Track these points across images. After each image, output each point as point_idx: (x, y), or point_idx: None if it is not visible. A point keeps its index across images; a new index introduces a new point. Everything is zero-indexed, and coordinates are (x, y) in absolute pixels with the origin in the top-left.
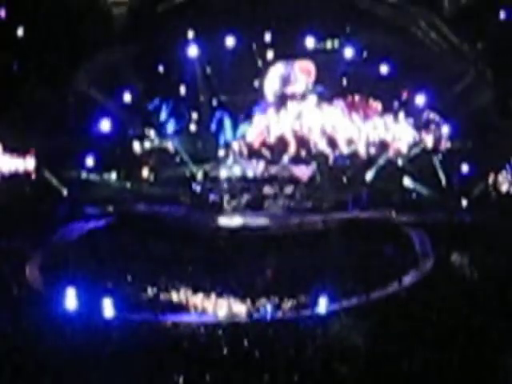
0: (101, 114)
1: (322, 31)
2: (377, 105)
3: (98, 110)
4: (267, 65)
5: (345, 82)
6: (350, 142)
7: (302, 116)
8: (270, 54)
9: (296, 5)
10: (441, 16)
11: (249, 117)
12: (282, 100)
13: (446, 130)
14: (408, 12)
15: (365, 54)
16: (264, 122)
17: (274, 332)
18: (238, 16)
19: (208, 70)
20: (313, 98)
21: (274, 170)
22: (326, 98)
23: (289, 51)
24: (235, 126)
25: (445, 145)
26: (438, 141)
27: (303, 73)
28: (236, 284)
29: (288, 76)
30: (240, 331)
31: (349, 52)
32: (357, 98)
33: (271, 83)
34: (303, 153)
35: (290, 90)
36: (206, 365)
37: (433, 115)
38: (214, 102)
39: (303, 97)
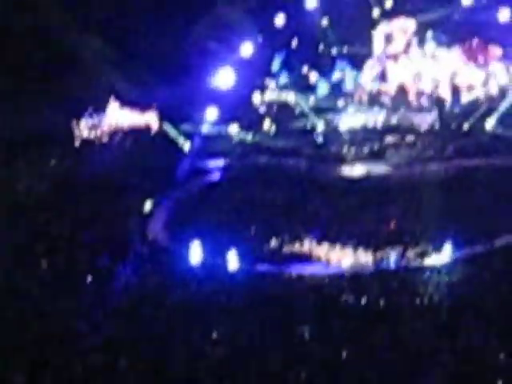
0: (221, 67)
1: None
2: (496, 50)
3: (217, 63)
4: (382, 17)
5: (464, 29)
6: (470, 88)
7: (421, 63)
8: (387, 4)
9: None
10: None
11: (367, 67)
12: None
13: None
14: None
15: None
16: (384, 70)
17: (399, 282)
18: None
19: (326, 20)
20: (431, 46)
21: (394, 118)
22: (445, 44)
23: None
24: (354, 76)
25: None
26: None
27: (400, 32)
28: (360, 234)
29: (388, 36)
30: (365, 281)
31: None
32: (475, 43)
33: (377, 42)
34: (423, 101)
35: (390, 49)
36: (331, 316)
37: None
38: (333, 52)
39: (404, 54)
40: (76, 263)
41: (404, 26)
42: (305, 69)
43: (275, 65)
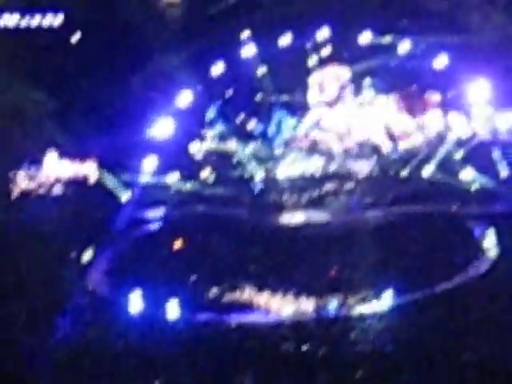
0: (159, 117)
1: (378, 27)
2: (433, 97)
3: (156, 113)
4: (319, 64)
5: (401, 76)
6: (407, 135)
7: (358, 111)
8: (324, 52)
9: (350, 1)
10: (495, 5)
11: (305, 114)
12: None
13: (504, 121)
14: (461, 2)
15: (420, 47)
16: (321, 118)
17: (340, 329)
18: (292, 14)
19: (263, 69)
20: (368, 93)
21: (332, 166)
22: (382, 92)
23: (343, 48)
24: (292, 124)
25: (503, 136)
26: (496, 132)
27: (334, 80)
28: (300, 282)
29: (321, 84)
30: (306, 329)
31: (404, 46)
32: (413, 91)
33: (312, 90)
34: (361, 148)
35: (324, 97)
36: (272, 364)
37: (489, 107)
38: (270, 101)
39: (336, 102)
40: (14, 314)
41: (337, 74)
42: (243, 117)
43: (212, 114)
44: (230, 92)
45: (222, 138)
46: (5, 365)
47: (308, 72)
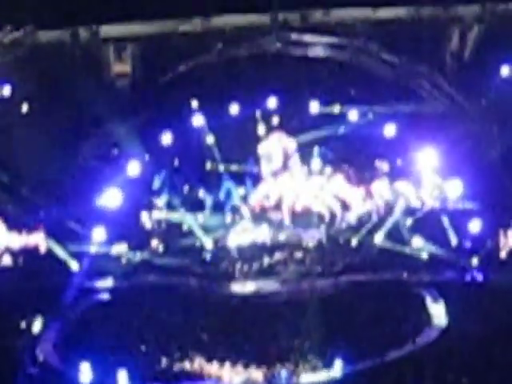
0: (107, 187)
1: (325, 96)
2: (382, 166)
3: (104, 183)
4: (267, 133)
5: (350, 145)
6: (356, 204)
7: (305, 180)
8: (273, 120)
9: (298, 71)
10: (444, 74)
11: (254, 184)
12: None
13: (453, 189)
14: (410, 71)
15: (368, 116)
16: (270, 188)
17: None
18: (241, 84)
19: (212, 138)
20: (317, 162)
21: (282, 235)
22: (330, 161)
23: (292, 117)
24: (241, 194)
25: (452, 204)
26: (445, 200)
27: (279, 149)
28: (250, 351)
29: (268, 153)
30: None
31: (352, 115)
32: (361, 160)
33: (260, 159)
34: (310, 217)
35: (270, 166)
36: None
37: (438, 175)
38: (220, 170)
39: (283, 171)
40: None
41: (283, 143)
42: (191, 187)
43: (160, 183)
44: (178, 161)
45: (171, 207)
46: None
47: (257, 141)
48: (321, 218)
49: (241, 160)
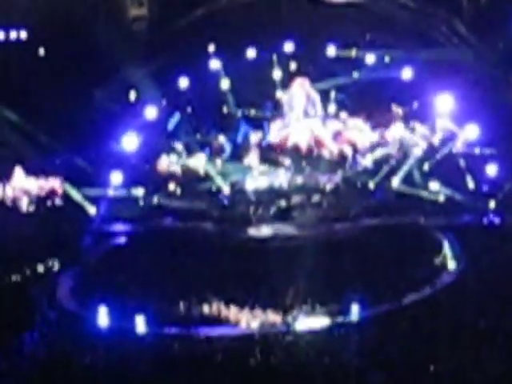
0: (125, 131)
1: (343, 39)
2: (398, 110)
3: (122, 127)
4: (283, 78)
5: (368, 89)
6: (373, 147)
7: (324, 123)
8: (291, 66)
9: (316, 14)
10: (461, 18)
11: (271, 128)
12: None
13: (469, 132)
14: (428, 16)
15: (385, 60)
16: (287, 131)
17: (308, 342)
18: (258, 28)
19: (229, 82)
20: (335, 107)
21: (300, 179)
22: (348, 105)
23: (310, 61)
24: (258, 138)
25: (469, 148)
26: (462, 144)
27: (300, 95)
28: (267, 295)
29: (290, 98)
30: (273, 343)
31: (370, 59)
32: (378, 104)
33: (278, 104)
34: (328, 161)
35: (289, 111)
36: (240, 378)
37: (453, 121)
38: (237, 114)
39: (302, 116)
40: None
41: (302, 88)
42: (209, 131)
43: (178, 127)
44: (194, 105)
45: (188, 151)
46: None
47: (274, 86)
48: (337, 162)
49: (257, 104)
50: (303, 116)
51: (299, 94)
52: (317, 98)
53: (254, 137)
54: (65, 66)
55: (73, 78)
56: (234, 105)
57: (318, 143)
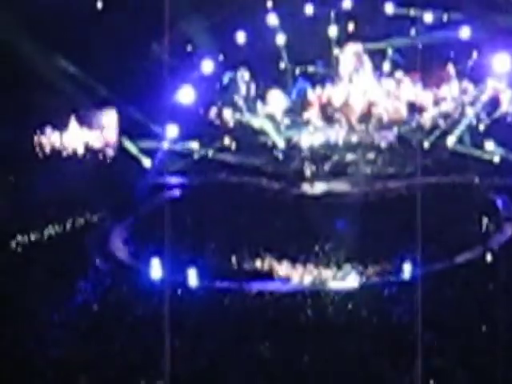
0: (182, 84)
1: None
2: (455, 70)
3: (178, 80)
4: (343, 38)
5: (423, 48)
6: (430, 106)
7: (380, 82)
8: (346, 23)
9: None
10: None
11: (327, 85)
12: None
13: None
14: None
15: (443, 18)
16: (343, 89)
17: (359, 299)
18: None
19: (287, 38)
20: (391, 65)
21: (355, 136)
22: (404, 63)
23: (367, 19)
24: (314, 94)
25: None
26: None
27: (355, 52)
28: (320, 251)
29: (344, 55)
30: (325, 298)
31: (427, 18)
32: (434, 63)
33: (335, 62)
34: (384, 119)
35: (345, 69)
36: (291, 333)
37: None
38: (293, 71)
39: (358, 74)
40: (36, 279)
41: (359, 46)
42: (264, 86)
43: (231, 82)
44: (251, 60)
45: (245, 105)
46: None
47: (331, 43)
48: (392, 120)
49: (313, 61)
50: (358, 74)
51: (351, 51)
52: (369, 56)
53: (310, 93)
54: (123, 18)
55: (131, 30)
56: (290, 61)
57: (374, 101)
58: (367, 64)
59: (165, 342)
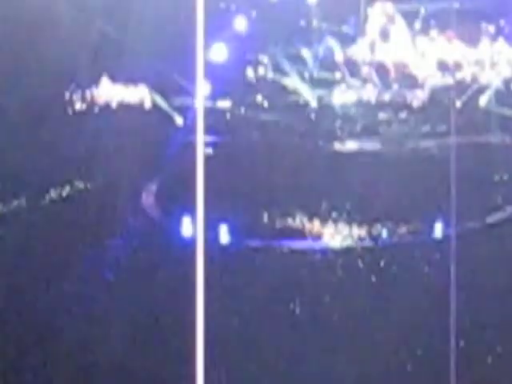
0: (214, 42)
1: None
2: (489, 28)
3: (211, 37)
4: None
5: (457, 7)
6: (463, 65)
7: (412, 42)
8: None
9: None
10: None
11: (358, 44)
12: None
13: None
14: None
15: None
16: (376, 47)
17: (390, 258)
18: None
19: None
20: (423, 23)
21: (387, 95)
22: (436, 22)
23: None
24: (346, 53)
25: None
26: None
27: (386, 10)
28: (352, 209)
29: (375, 14)
30: (356, 257)
31: None
32: (467, 22)
33: (365, 20)
34: (416, 78)
35: (376, 28)
36: (322, 292)
37: None
38: (323, 29)
39: (389, 33)
40: (68, 235)
41: (390, 5)
42: (296, 44)
43: (266, 40)
44: (283, 18)
45: (276, 63)
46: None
47: (361, 2)
48: (425, 79)
49: (345, 20)
50: (390, 32)
51: (384, 12)
52: (401, 15)
53: (341, 52)
54: None
55: None
56: (321, 19)
57: (406, 60)
58: (399, 22)
59: (196, 301)
